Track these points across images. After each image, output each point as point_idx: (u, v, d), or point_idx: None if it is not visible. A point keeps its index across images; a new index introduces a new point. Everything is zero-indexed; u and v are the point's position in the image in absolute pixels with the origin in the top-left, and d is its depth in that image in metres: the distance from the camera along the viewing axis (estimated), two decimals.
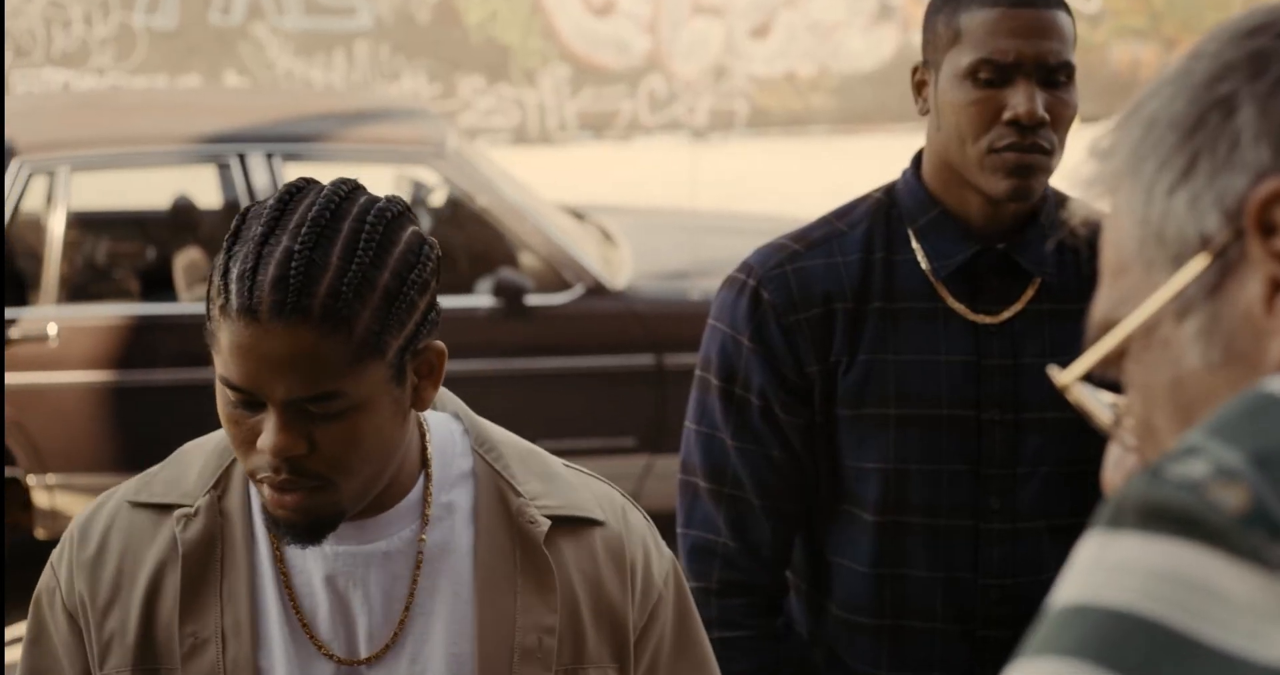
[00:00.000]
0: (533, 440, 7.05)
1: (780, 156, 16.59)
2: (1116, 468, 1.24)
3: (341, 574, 2.08)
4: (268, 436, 1.92)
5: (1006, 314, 2.73)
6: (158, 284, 7.41)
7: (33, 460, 6.51)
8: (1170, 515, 1.00)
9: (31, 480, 6.52)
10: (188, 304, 7.01)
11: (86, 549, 2.11)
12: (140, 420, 6.59)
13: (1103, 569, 1.01)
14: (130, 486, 2.15)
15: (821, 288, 2.72)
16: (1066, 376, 1.22)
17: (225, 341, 1.90)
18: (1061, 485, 2.73)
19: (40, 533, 6.62)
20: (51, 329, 6.51)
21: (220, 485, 2.11)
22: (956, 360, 2.71)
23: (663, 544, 2.26)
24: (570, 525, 2.15)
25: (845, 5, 17.61)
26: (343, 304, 1.89)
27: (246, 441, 1.96)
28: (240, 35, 16.84)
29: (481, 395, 6.89)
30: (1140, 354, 1.16)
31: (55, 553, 2.16)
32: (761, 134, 17.65)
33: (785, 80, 17.73)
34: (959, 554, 2.74)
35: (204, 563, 2.08)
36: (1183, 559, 0.99)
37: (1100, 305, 1.19)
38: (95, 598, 2.10)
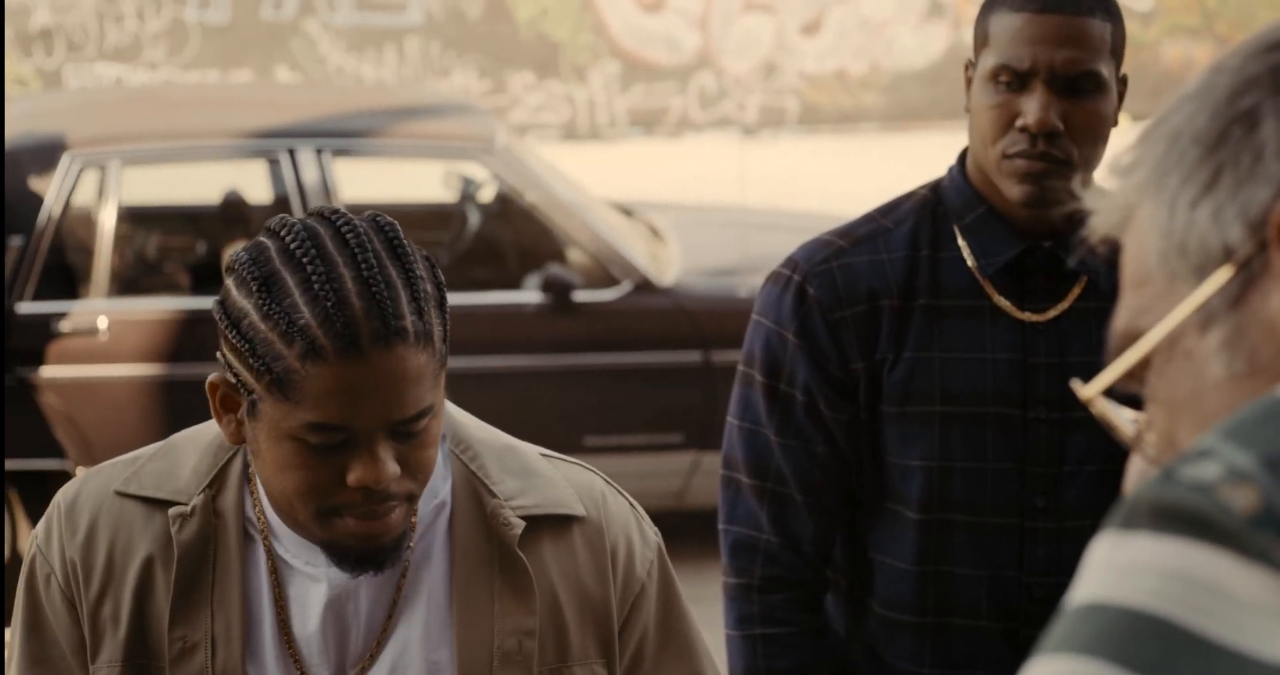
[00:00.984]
0: (579, 436, 7.09)
1: (830, 154, 16.56)
2: (1139, 480, 1.24)
3: (335, 584, 2.06)
4: (368, 470, 1.90)
5: (1053, 312, 2.72)
6: (207, 278, 7.44)
7: (82, 453, 6.54)
8: (1182, 516, 1.02)
9: (81, 473, 6.55)
10: None
11: (76, 533, 2.08)
12: (189, 413, 6.57)
13: (1117, 569, 1.03)
14: (117, 472, 2.11)
15: (867, 284, 2.72)
16: (1089, 390, 1.22)
17: (318, 387, 1.87)
18: (1107, 484, 2.72)
19: None
20: (102, 322, 6.54)
21: (215, 484, 2.08)
22: (1002, 358, 2.71)
23: (649, 530, 2.23)
24: (549, 523, 2.12)
25: (896, 2, 17.58)
26: (425, 319, 1.90)
27: (324, 484, 1.93)
28: (292, 31, 16.89)
29: (528, 391, 6.93)
30: (1163, 366, 1.17)
31: (42, 536, 2.11)
32: (812, 131, 17.63)
33: (836, 77, 17.70)
34: (1003, 552, 2.73)
35: (197, 565, 2.05)
36: (1194, 559, 1.01)
37: (1121, 317, 1.20)
38: (88, 586, 2.07)
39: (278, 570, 2.06)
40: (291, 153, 6.80)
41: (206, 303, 6.84)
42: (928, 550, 2.75)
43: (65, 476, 6.61)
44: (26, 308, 6.51)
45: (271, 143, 6.86)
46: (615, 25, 17.35)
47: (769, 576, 2.80)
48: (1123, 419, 1.23)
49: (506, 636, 2.07)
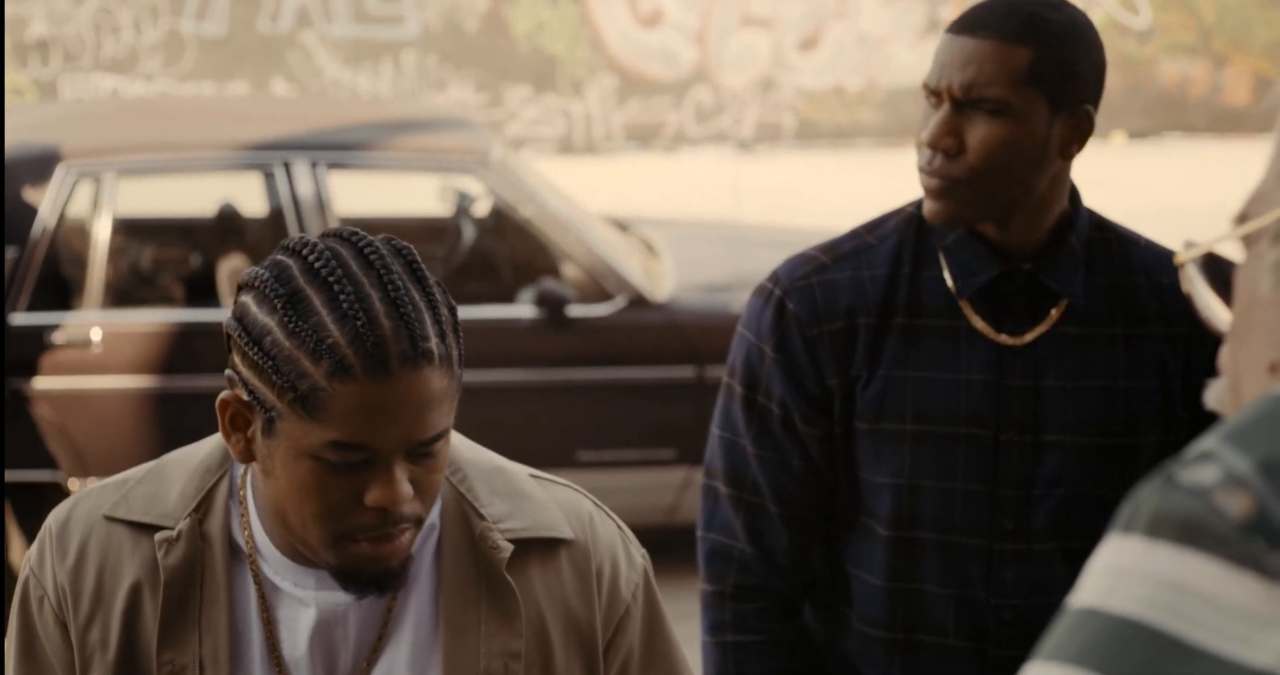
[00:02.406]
0: (572, 451, 7.09)
1: (827, 169, 16.57)
2: (1212, 394, 1.27)
3: (324, 607, 2.06)
4: (386, 490, 1.91)
5: (1030, 336, 2.72)
6: (202, 290, 7.44)
7: (75, 464, 6.54)
8: (1176, 522, 1.05)
9: (74, 485, 6.55)
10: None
11: (66, 558, 2.08)
12: (183, 426, 6.60)
13: (1113, 573, 1.06)
14: (106, 496, 2.11)
15: (845, 301, 2.73)
16: (1184, 255, 1.25)
17: (344, 406, 1.87)
18: (1078, 509, 2.73)
19: None
20: (95, 334, 6.54)
21: (202, 508, 2.07)
22: (976, 379, 2.71)
23: (635, 552, 2.23)
24: (537, 546, 2.13)
25: (894, 18, 17.59)
26: (447, 341, 1.92)
27: (341, 506, 1.93)
28: (288, 43, 16.90)
29: (522, 405, 6.93)
30: (1246, 260, 1.21)
31: (34, 558, 2.11)
32: (808, 147, 17.64)
33: (833, 93, 17.71)
34: (971, 572, 2.74)
35: (184, 589, 2.05)
36: (1185, 566, 1.04)
37: (1246, 202, 1.23)
38: (77, 611, 2.07)
39: (265, 593, 2.06)
40: (286, 165, 6.80)
41: (200, 315, 6.87)
42: (897, 567, 2.76)
43: (58, 488, 6.61)
44: (20, 319, 6.51)
45: (266, 155, 6.86)
46: (613, 39, 17.37)
47: (742, 585, 2.81)
48: (1206, 298, 1.26)
49: (493, 659, 2.07)
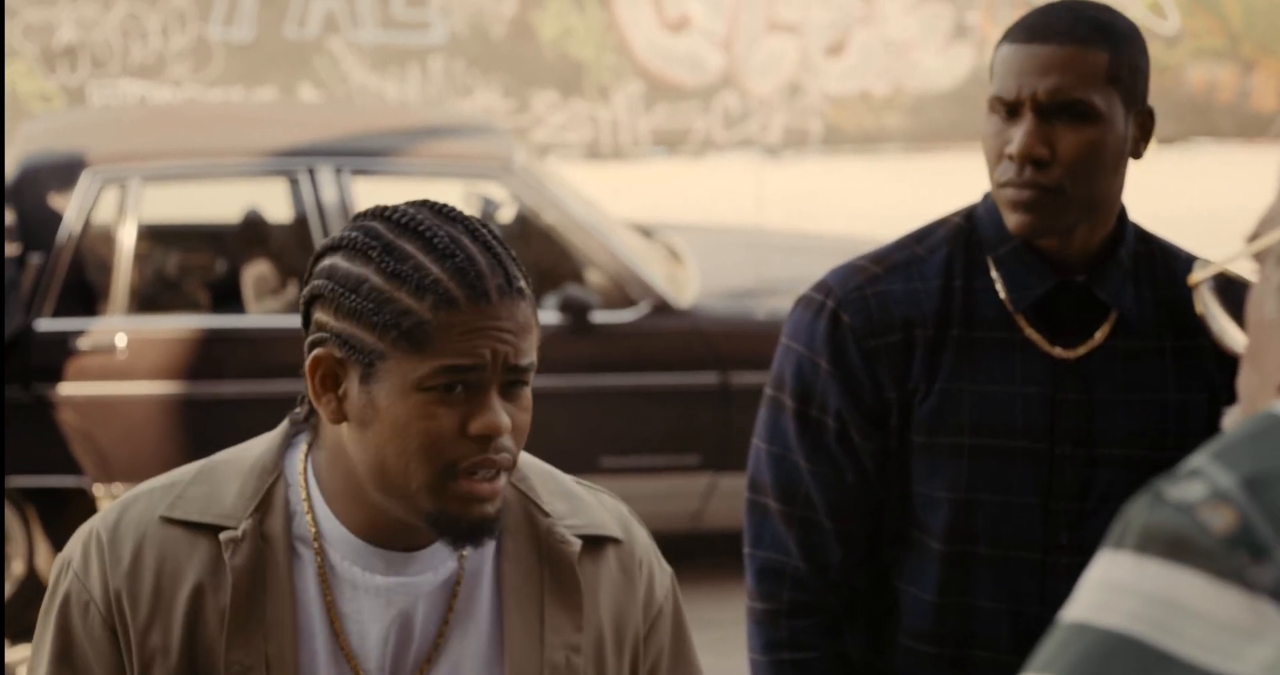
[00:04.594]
0: (596, 457, 7.11)
1: (854, 175, 16.55)
2: (1229, 420, 1.29)
3: (392, 604, 2.09)
4: (488, 417, 1.99)
5: (1083, 349, 2.70)
6: (227, 296, 7.45)
7: (100, 470, 6.55)
8: (1163, 537, 1.08)
9: (98, 490, 6.56)
10: (256, 316, 7.04)
11: (120, 562, 2.08)
12: (207, 432, 6.62)
13: (1105, 588, 1.10)
14: (157, 497, 2.12)
15: (901, 313, 2.71)
16: (1197, 275, 1.28)
17: (449, 334, 1.97)
18: None
19: None
20: (120, 340, 6.55)
21: (262, 508, 2.09)
22: (1032, 393, 2.69)
23: (662, 559, 2.29)
24: (590, 544, 2.19)
25: (921, 24, 17.57)
26: (528, 283, 2.05)
27: (446, 436, 1.99)
28: (315, 49, 16.92)
29: (545, 411, 6.90)
30: (1257, 282, 1.23)
31: (78, 562, 2.10)
32: (835, 152, 17.62)
33: (860, 99, 17.69)
34: (1025, 587, 2.72)
35: (251, 589, 2.07)
36: (1173, 581, 1.07)
37: (1259, 221, 1.25)
38: (136, 614, 2.07)
39: (331, 588, 2.09)
40: (311, 172, 6.81)
41: (225, 321, 6.88)
42: (950, 582, 2.74)
43: (83, 494, 6.62)
44: (46, 325, 6.52)
45: (291, 162, 6.87)
46: (639, 45, 17.37)
47: (797, 602, 2.79)
48: (1220, 320, 1.29)
49: (556, 651, 2.12)
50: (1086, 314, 2.72)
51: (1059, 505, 2.71)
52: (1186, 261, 2.78)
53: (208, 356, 6.65)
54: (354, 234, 2.04)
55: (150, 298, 7.32)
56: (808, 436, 2.76)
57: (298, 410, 2.15)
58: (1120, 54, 2.62)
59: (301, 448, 2.13)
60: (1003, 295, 2.70)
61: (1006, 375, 2.70)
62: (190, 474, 2.14)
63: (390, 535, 2.08)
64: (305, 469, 2.11)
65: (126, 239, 6.66)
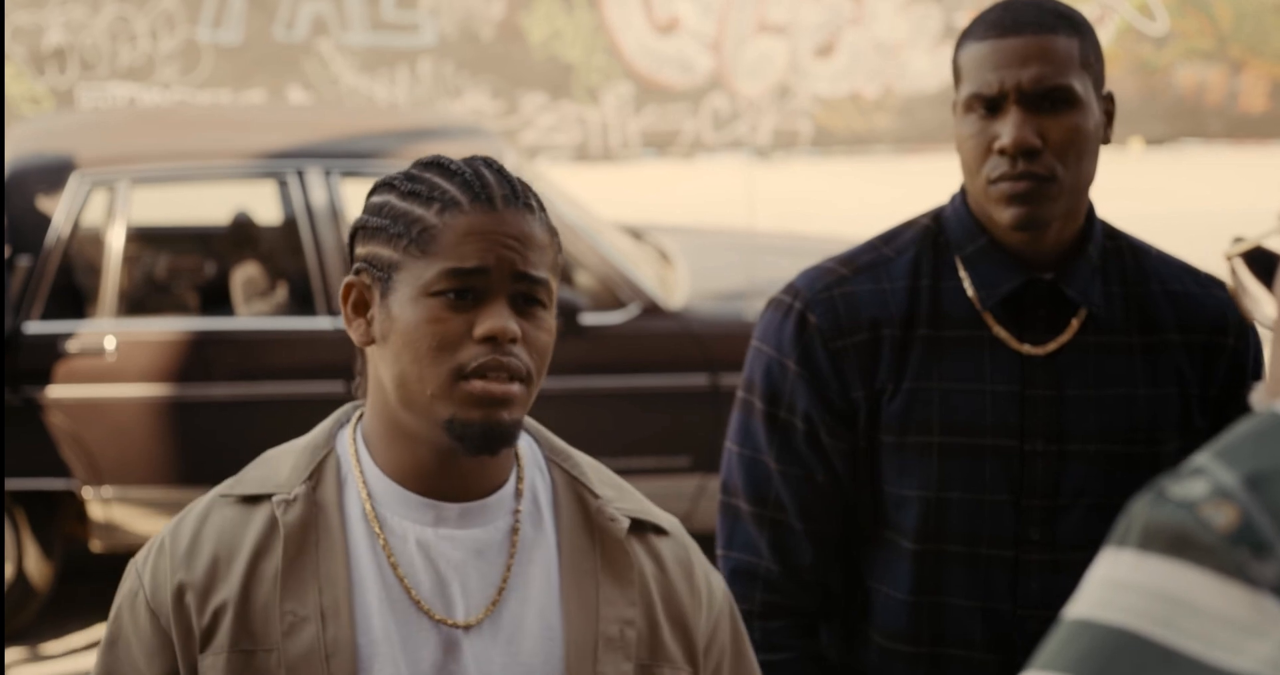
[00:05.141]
0: None
1: (843, 176, 16.57)
2: (1257, 390, 1.29)
3: (442, 557, 2.14)
4: (494, 319, 2.06)
5: (1052, 345, 2.71)
6: (216, 299, 7.45)
7: (89, 473, 6.55)
8: (1166, 534, 1.10)
9: (88, 493, 6.56)
10: (245, 318, 7.04)
11: (179, 544, 2.16)
12: (197, 434, 6.62)
13: (1108, 585, 1.12)
14: (218, 488, 2.23)
15: (868, 313, 2.72)
16: (1231, 249, 1.29)
17: (454, 236, 2.07)
18: (1102, 518, 2.71)
19: (96, 545, 6.65)
20: (109, 343, 6.54)
21: (314, 478, 2.18)
22: (1001, 390, 2.70)
23: (712, 567, 2.35)
24: (640, 531, 2.24)
25: (910, 25, 17.59)
26: (540, 204, 2.14)
27: (453, 340, 2.07)
28: (304, 51, 16.92)
29: (534, 413, 6.89)
30: None
31: (140, 559, 2.21)
32: (825, 153, 17.64)
33: (849, 100, 17.71)
34: (997, 584, 2.73)
35: (302, 545, 2.14)
36: (1175, 578, 1.09)
37: None
38: (194, 584, 2.14)
39: (386, 543, 2.15)
40: (300, 174, 6.81)
41: (215, 324, 6.87)
42: (922, 580, 2.75)
43: (71, 497, 6.62)
44: (34, 327, 6.52)
45: (280, 164, 6.87)
46: (628, 47, 17.37)
47: (769, 603, 2.80)
48: (1255, 292, 1.30)
49: (609, 623, 2.17)
50: (1055, 311, 2.72)
51: (1030, 502, 2.71)
52: (1156, 258, 2.79)
53: (197, 359, 6.64)
54: (390, 175, 2.16)
55: (139, 300, 7.31)
56: (777, 438, 2.77)
57: (356, 379, 2.24)
58: (1085, 40, 2.65)
59: (351, 423, 2.22)
60: (971, 294, 2.71)
61: (975, 373, 2.70)
62: (250, 465, 2.26)
63: (435, 481, 2.14)
64: (355, 438, 2.21)
65: (115, 241, 6.65)
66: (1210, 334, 2.74)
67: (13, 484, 6.48)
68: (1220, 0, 18.01)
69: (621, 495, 2.26)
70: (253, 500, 2.18)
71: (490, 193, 2.09)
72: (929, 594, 2.75)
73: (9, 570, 6.61)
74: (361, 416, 2.22)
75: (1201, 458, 1.12)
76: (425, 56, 17.07)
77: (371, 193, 2.18)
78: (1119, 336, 2.72)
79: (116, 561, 7.26)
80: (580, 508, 2.22)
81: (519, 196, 2.11)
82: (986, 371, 2.70)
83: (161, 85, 16.73)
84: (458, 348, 2.07)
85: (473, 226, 2.07)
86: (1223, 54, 18.08)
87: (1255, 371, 2.77)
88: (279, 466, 2.21)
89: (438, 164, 2.14)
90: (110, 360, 6.55)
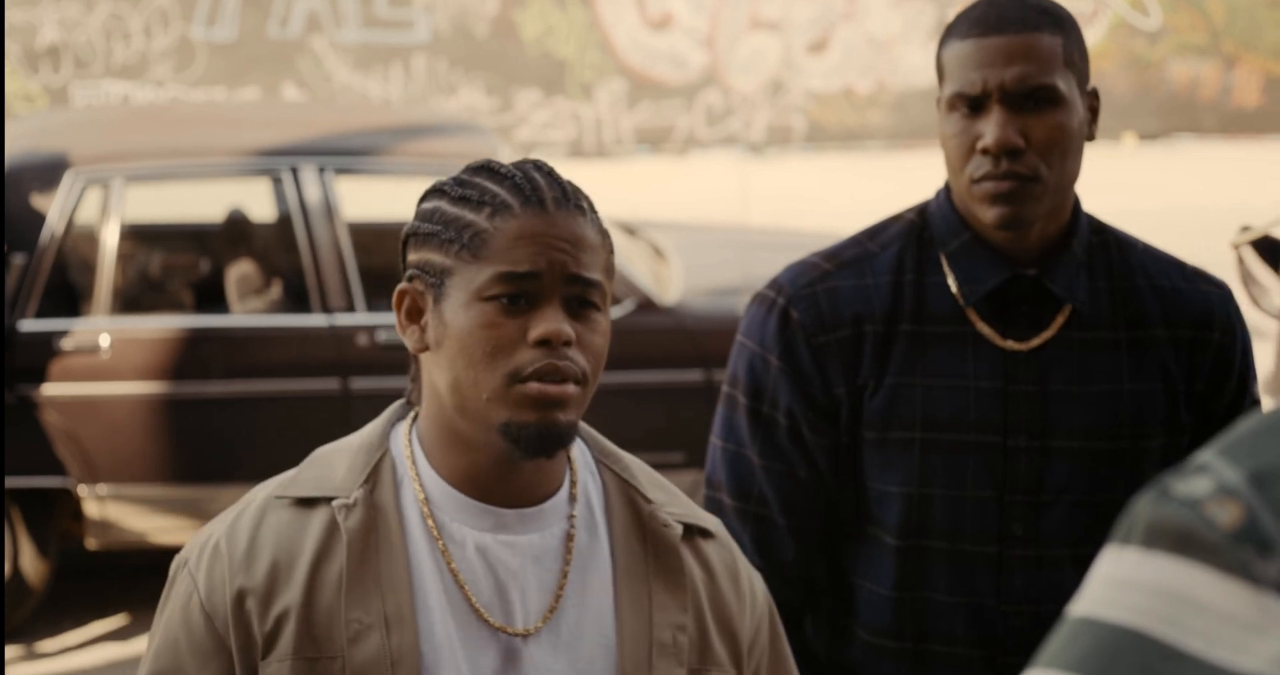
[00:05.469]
0: None
1: (837, 172, 16.57)
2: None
3: (500, 563, 2.13)
4: (548, 323, 2.05)
5: (1036, 341, 2.71)
6: (210, 296, 7.44)
7: (84, 471, 6.55)
8: (1170, 532, 1.09)
9: (83, 491, 6.56)
10: (240, 316, 7.04)
11: (236, 548, 2.13)
12: (192, 432, 6.62)
13: (1111, 583, 1.11)
14: (271, 487, 2.19)
15: (851, 309, 2.72)
16: (1238, 238, 1.28)
17: (505, 239, 2.06)
18: (1086, 514, 2.71)
19: (91, 543, 6.65)
20: (104, 340, 6.54)
21: (371, 480, 2.16)
22: (984, 386, 2.70)
23: (753, 567, 2.35)
24: (689, 535, 2.24)
25: (903, 21, 17.59)
26: (593, 208, 2.13)
27: (507, 345, 2.06)
28: (298, 48, 16.92)
29: None
30: None
31: (192, 559, 2.17)
32: (818, 149, 17.64)
33: (842, 95, 17.71)
34: (981, 580, 2.73)
35: (364, 551, 2.12)
36: (1179, 575, 1.08)
37: None
38: (255, 590, 2.12)
39: (446, 550, 2.14)
40: (294, 171, 6.80)
41: (209, 321, 6.87)
42: (906, 576, 2.75)
43: (67, 494, 6.62)
44: (29, 325, 6.52)
45: (274, 161, 6.87)
46: (622, 43, 17.38)
47: None
48: (1264, 280, 1.29)
49: (663, 629, 2.17)
50: (1039, 307, 2.72)
51: (1014, 498, 2.71)
52: (1143, 252, 2.79)
53: (191, 356, 6.64)
54: (441, 181, 2.16)
55: (134, 298, 7.31)
56: (760, 433, 2.77)
57: (409, 385, 2.23)
58: (1070, 37, 2.65)
59: (405, 424, 2.21)
60: (954, 290, 2.71)
61: (958, 369, 2.70)
62: (301, 465, 2.23)
63: (491, 487, 2.13)
64: (410, 440, 2.19)
65: (109, 239, 6.65)
66: (1196, 329, 2.74)
67: (8, 482, 6.48)
68: None
69: (671, 498, 2.25)
70: (309, 502, 2.15)
71: (541, 195, 2.08)
72: (912, 590, 2.75)
73: (5, 568, 6.62)
74: (415, 417, 2.20)
75: (1206, 455, 1.12)
76: (419, 53, 17.07)
77: (422, 199, 2.17)
78: (1104, 332, 2.72)
79: (112, 559, 7.27)
80: (632, 512, 2.21)
81: (570, 198, 2.10)
82: (969, 367, 2.70)
83: (155, 83, 16.72)
84: (512, 352, 2.06)
85: (524, 230, 2.07)
86: (1216, 49, 18.09)
87: (1242, 368, 2.77)
88: (334, 467, 2.19)
89: (488, 168, 2.13)
90: (105, 358, 6.55)
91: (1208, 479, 1.10)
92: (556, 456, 2.13)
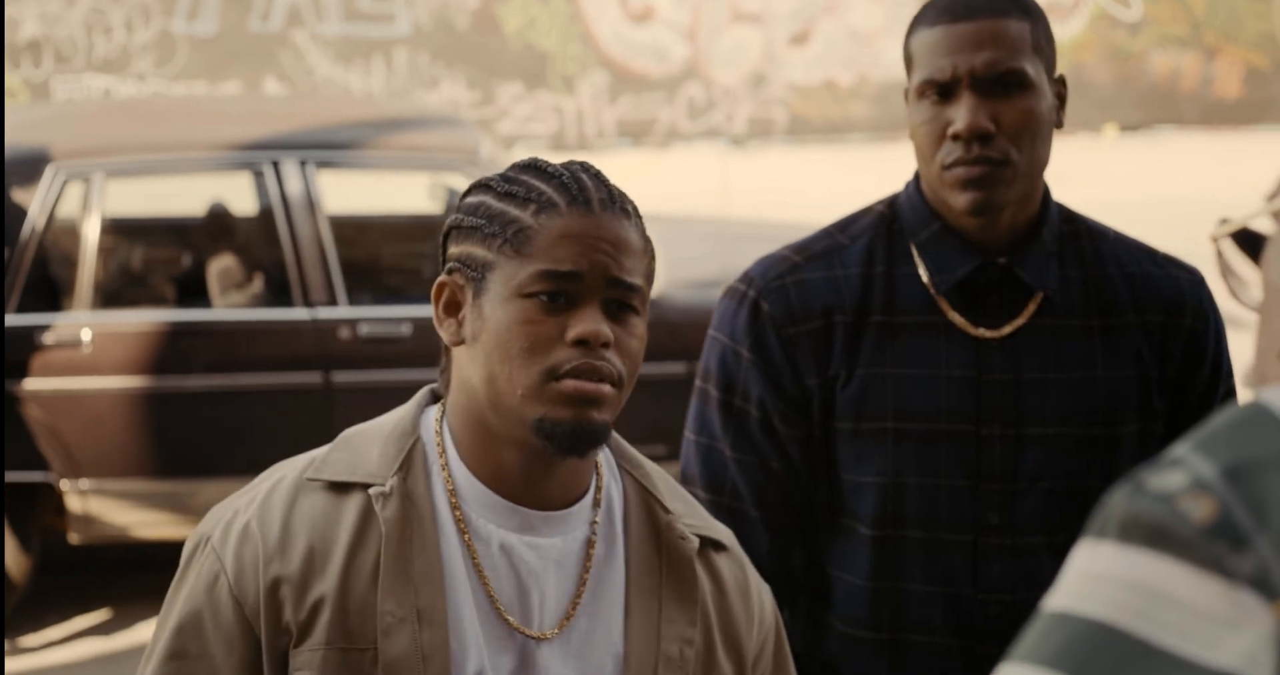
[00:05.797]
0: None
1: (819, 165, 16.58)
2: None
3: (523, 564, 2.13)
4: (587, 323, 2.04)
5: (1008, 329, 2.71)
6: (192, 290, 7.43)
7: (66, 465, 6.54)
8: (1144, 527, 1.09)
9: (65, 485, 6.55)
10: (222, 310, 7.03)
11: (270, 531, 2.10)
12: (173, 426, 6.61)
13: (1087, 577, 1.11)
14: (299, 467, 2.16)
15: (821, 300, 2.72)
16: (1216, 231, 1.28)
17: (549, 237, 2.06)
18: (1061, 501, 2.72)
19: (74, 537, 6.64)
20: (85, 335, 6.53)
21: (404, 468, 2.14)
22: (956, 374, 2.70)
23: (760, 575, 2.35)
24: (702, 547, 2.23)
25: (885, 13, 17.60)
26: (637, 212, 2.13)
27: (545, 342, 2.06)
28: (280, 42, 16.90)
29: None
30: (1269, 244, 1.23)
31: (216, 537, 2.13)
32: (800, 142, 17.65)
33: (824, 88, 17.72)
34: (957, 569, 2.73)
35: (400, 543, 2.11)
36: (1152, 570, 1.08)
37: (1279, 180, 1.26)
38: (291, 577, 2.09)
39: (473, 546, 2.13)
40: (276, 165, 6.79)
41: (191, 315, 6.86)
42: (881, 566, 2.75)
43: (50, 489, 6.60)
44: (10, 320, 6.50)
45: (255, 155, 6.86)
46: (603, 36, 17.37)
47: None
48: (1242, 274, 1.29)
49: (670, 642, 2.16)
50: (1011, 296, 2.72)
51: (989, 486, 2.71)
52: (1114, 240, 2.80)
53: (173, 350, 6.63)
54: (487, 176, 2.17)
55: (115, 292, 7.29)
56: (732, 425, 2.77)
57: (439, 377, 2.21)
58: (1037, 23, 2.66)
59: (435, 410, 2.19)
60: (925, 279, 2.72)
61: (930, 358, 2.71)
62: (328, 446, 2.20)
63: (521, 486, 2.12)
64: (441, 429, 2.17)
65: (91, 233, 6.64)
66: (1167, 314, 2.75)
67: None
68: None
69: (689, 509, 2.25)
70: (343, 487, 2.13)
71: (588, 196, 2.08)
72: (888, 580, 2.75)
73: None
74: (445, 406, 2.19)
75: (1181, 449, 1.12)
76: (400, 46, 17.05)
77: (467, 193, 2.17)
78: (1076, 319, 2.72)
79: (95, 554, 7.26)
80: (650, 521, 2.20)
81: (615, 201, 2.10)
82: (941, 356, 2.70)
83: (137, 77, 16.70)
84: (550, 350, 2.06)
85: (569, 229, 2.06)
86: (1197, 40, 18.12)
87: (1216, 353, 2.78)
88: (366, 451, 2.16)
89: (534, 166, 2.13)
90: (86, 352, 6.54)
91: (1182, 473, 1.10)
92: (587, 457, 2.11)
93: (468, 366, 2.11)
